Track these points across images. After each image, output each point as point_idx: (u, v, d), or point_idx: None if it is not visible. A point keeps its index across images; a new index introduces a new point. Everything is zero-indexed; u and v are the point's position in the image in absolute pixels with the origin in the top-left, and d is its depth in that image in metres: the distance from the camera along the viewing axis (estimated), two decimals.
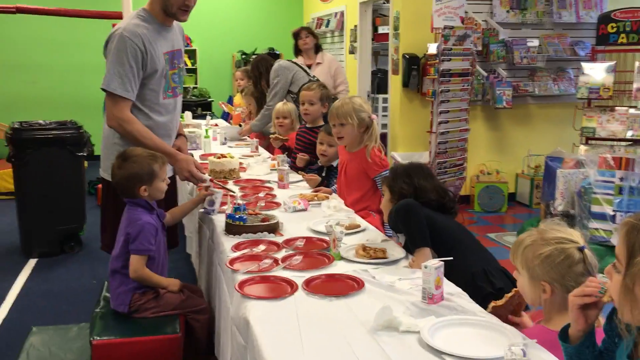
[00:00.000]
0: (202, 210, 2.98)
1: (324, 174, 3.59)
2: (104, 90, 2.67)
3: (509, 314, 1.82)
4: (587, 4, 6.40)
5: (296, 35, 5.76)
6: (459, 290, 1.92)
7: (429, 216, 2.26)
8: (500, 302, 1.82)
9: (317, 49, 5.79)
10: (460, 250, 2.19)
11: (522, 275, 1.75)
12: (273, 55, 9.56)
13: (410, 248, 2.25)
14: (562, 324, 1.51)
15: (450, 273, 1.93)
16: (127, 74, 2.63)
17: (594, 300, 1.38)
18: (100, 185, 4.33)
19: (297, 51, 5.80)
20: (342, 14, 8.19)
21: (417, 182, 2.41)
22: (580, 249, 1.67)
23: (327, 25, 8.57)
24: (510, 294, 1.83)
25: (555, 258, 1.65)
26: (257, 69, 5.22)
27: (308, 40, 5.71)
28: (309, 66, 5.48)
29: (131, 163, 2.48)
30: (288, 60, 5.49)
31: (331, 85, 5.40)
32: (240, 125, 6.09)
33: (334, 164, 3.53)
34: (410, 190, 2.39)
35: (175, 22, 2.89)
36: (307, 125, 4.01)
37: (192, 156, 3.38)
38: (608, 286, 1.35)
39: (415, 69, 6.14)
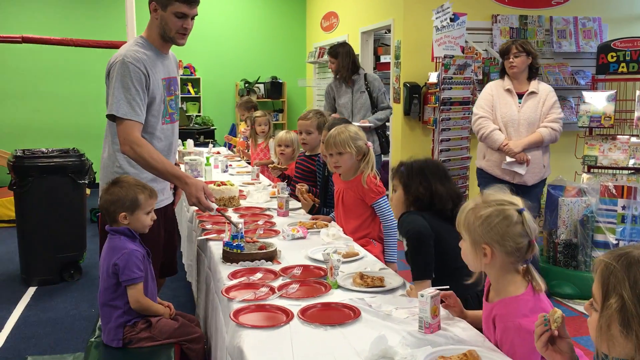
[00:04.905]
0: (200, 238, 2.97)
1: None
2: (112, 116, 2.64)
3: None
4: (587, 34, 6.46)
5: (504, 53, 4.29)
6: (456, 318, 1.90)
7: (439, 234, 2.21)
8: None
9: (532, 73, 4.30)
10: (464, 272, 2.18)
11: (465, 241, 1.77)
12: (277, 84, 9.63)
13: (412, 275, 2.23)
14: (511, 288, 1.68)
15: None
16: (135, 97, 2.63)
17: (547, 333, 1.41)
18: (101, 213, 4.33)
19: (504, 71, 4.37)
20: None
21: (434, 186, 2.33)
22: (519, 211, 1.69)
23: None
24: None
25: (494, 218, 1.68)
26: (347, 58, 5.32)
27: (518, 60, 4.20)
28: (520, 95, 4.29)
29: (118, 188, 2.47)
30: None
31: (537, 124, 4.26)
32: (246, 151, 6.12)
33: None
34: (427, 195, 2.32)
35: (170, 52, 2.93)
36: (306, 154, 4.02)
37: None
38: (550, 314, 1.41)
39: (417, 97, 6.18)
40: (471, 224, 1.72)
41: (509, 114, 4.28)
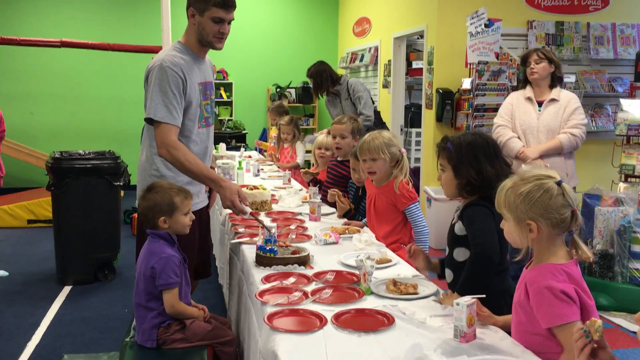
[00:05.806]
0: (233, 241, 3.00)
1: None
2: (150, 120, 2.69)
3: None
4: (625, 41, 6.34)
5: (525, 59, 4.27)
6: (492, 327, 1.88)
7: (499, 234, 2.12)
8: None
9: (555, 82, 4.27)
10: (499, 276, 2.20)
11: (508, 221, 1.79)
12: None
13: (453, 286, 2.23)
14: (552, 259, 1.71)
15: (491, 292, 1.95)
16: (172, 101, 2.68)
17: (589, 346, 1.40)
18: (135, 215, 4.39)
19: (526, 81, 4.33)
20: (376, 48, 8.27)
21: (484, 170, 2.20)
22: (558, 183, 1.72)
23: (361, 60, 8.66)
24: None
25: (535, 194, 1.71)
26: (320, 77, 5.37)
27: (539, 67, 4.16)
28: (540, 103, 4.24)
29: (153, 194, 2.51)
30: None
31: (557, 131, 4.17)
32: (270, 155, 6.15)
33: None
34: (478, 181, 2.21)
35: (206, 57, 2.97)
36: (338, 159, 4.02)
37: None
38: (587, 325, 1.40)
39: (449, 103, 6.14)
40: (512, 203, 1.75)
41: (528, 122, 4.25)
